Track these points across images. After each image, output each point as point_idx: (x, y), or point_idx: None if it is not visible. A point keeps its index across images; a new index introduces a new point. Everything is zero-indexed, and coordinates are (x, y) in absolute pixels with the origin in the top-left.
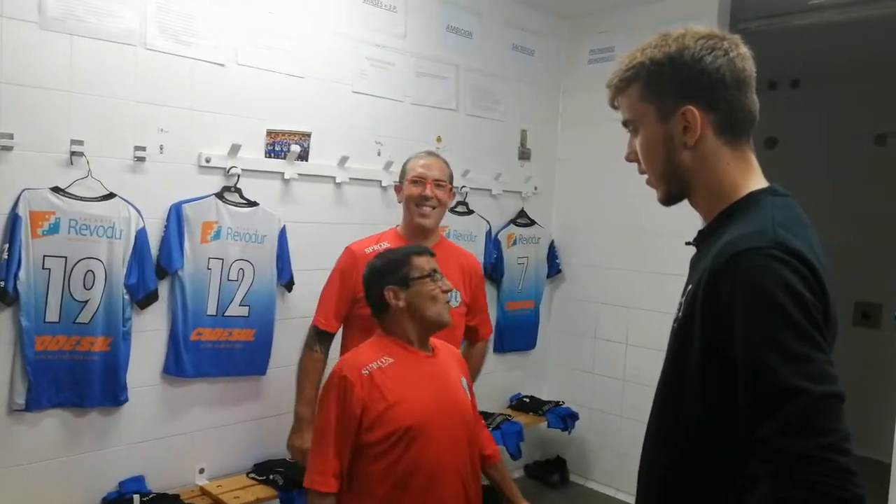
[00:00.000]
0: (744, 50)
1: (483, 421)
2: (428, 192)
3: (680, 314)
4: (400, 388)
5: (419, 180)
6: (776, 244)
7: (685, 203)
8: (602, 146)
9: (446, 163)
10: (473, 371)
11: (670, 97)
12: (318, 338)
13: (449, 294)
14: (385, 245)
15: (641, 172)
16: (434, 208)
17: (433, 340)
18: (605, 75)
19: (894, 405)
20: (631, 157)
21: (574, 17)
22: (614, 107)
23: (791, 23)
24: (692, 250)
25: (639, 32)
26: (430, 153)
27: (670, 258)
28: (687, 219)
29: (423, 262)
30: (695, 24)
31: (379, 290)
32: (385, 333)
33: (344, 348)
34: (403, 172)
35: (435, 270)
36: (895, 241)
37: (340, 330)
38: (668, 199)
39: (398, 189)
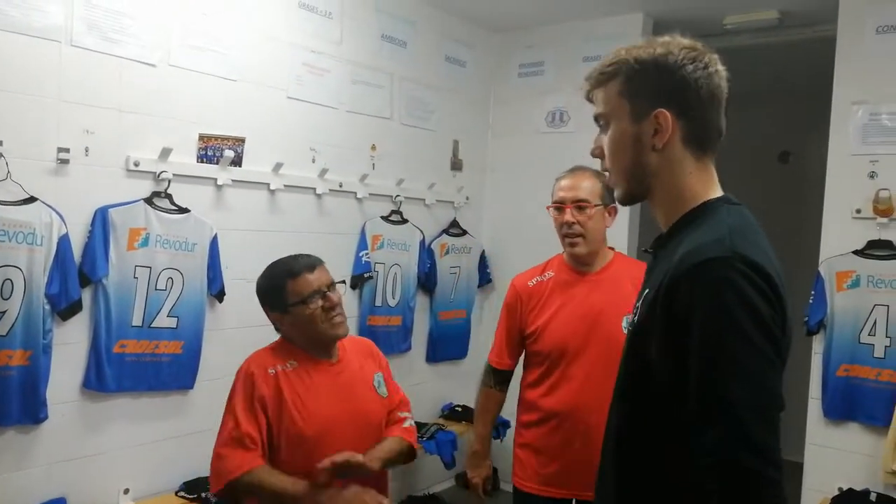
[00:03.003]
0: (721, 68)
1: (406, 411)
2: (568, 217)
3: (636, 319)
4: (301, 395)
5: (559, 206)
6: (734, 254)
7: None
8: (531, 157)
9: (597, 175)
10: None
11: (647, 98)
12: (493, 374)
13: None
14: (550, 275)
15: (604, 170)
16: (580, 235)
17: (342, 340)
18: (534, 89)
19: (803, 406)
20: (596, 152)
21: (505, 30)
22: (590, 100)
23: (706, 45)
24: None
25: (566, 48)
26: (575, 169)
27: None
28: (615, 229)
29: (300, 285)
30: (618, 43)
31: (265, 311)
32: (285, 340)
33: (524, 385)
34: (552, 194)
35: (317, 290)
36: (797, 252)
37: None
38: (628, 199)
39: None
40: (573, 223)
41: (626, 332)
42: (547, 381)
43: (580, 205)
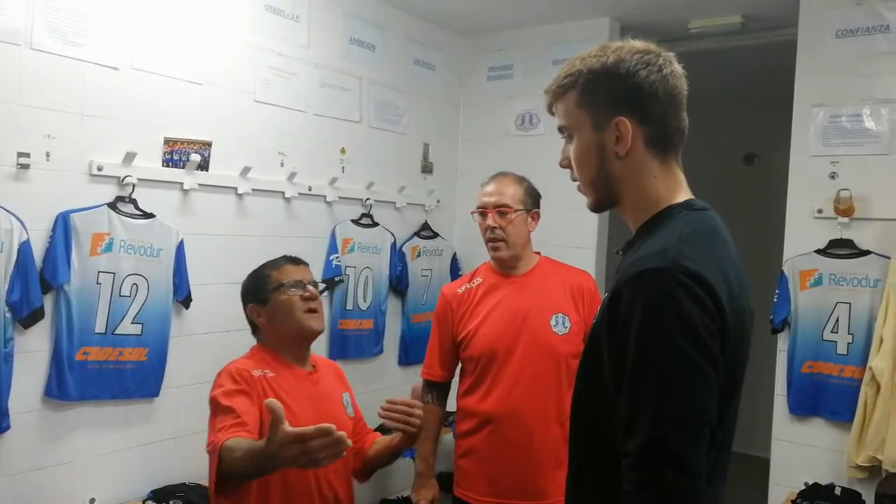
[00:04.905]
0: (677, 68)
1: (369, 429)
2: (490, 221)
3: (595, 321)
4: (283, 402)
5: (481, 211)
6: (674, 264)
7: (583, 215)
8: (500, 161)
9: (520, 181)
10: None
11: (604, 107)
12: (429, 388)
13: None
14: (478, 281)
15: (574, 179)
16: (502, 240)
17: (314, 357)
18: (504, 92)
19: (769, 402)
20: (564, 163)
21: (473, 34)
22: (552, 112)
23: (673, 49)
24: (592, 262)
25: (535, 52)
26: (498, 175)
27: None
28: (585, 231)
29: (281, 274)
30: (586, 46)
31: (245, 310)
32: (262, 347)
33: (459, 395)
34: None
35: (300, 280)
36: (762, 252)
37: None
38: (598, 206)
39: None
40: (495, 227)
41: (555, 331)
42: (481, 387)
43: (501, 210)
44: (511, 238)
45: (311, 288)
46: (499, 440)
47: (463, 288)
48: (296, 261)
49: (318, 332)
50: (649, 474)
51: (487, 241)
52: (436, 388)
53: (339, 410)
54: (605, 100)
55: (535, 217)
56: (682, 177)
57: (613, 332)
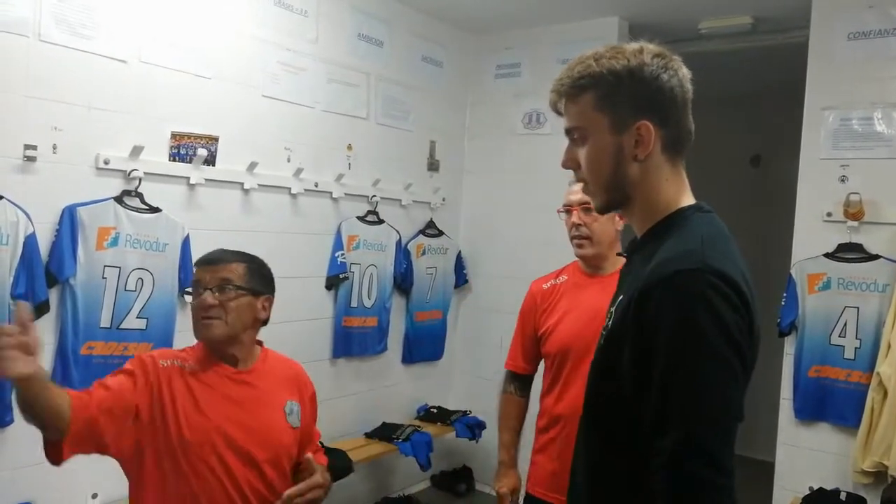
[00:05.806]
0: (686, 71)
1: (317, 445)
2: (574, 219)
3: (610, 324)
4: (192, 397)
5: (567, 209)
6: (704, 265)
7: None
8: (507, 159)
9: None
10: None
11: (626, 110)
12: (511, 379)
13: (221, 315)
14: (564, 279)
15: (581, 181)
16: (587, 238)
17: (272, 356)
18: (511, 90)
19: (775, 406)
20: (569, 164)
21: (481, 32)
22: (558, 111)
23: (682, 49)
24: None
25: (543, 51)
26: None
27: None
28: None
29: (196, 275)
30: (594, 46)
31: None
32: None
33: (541, 394)
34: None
35: (201, 283)
36: (769, 255)
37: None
38: (607, 208)
39: None
40: (580, 225)
41: None
42: (556, 385)
43: (586, 207)
44: (596, 235)
45: (205, 296)
46: (568, 439)
47: (549, 284)
48: (211, 261)
49: (213, 341)
50: (682, 473)
51: (572, 238)
52: (517, 379)
53: (274, 416)
54: (627, 103)
55: (622, 216)
56: (687, 181)
57: (640, 332)
